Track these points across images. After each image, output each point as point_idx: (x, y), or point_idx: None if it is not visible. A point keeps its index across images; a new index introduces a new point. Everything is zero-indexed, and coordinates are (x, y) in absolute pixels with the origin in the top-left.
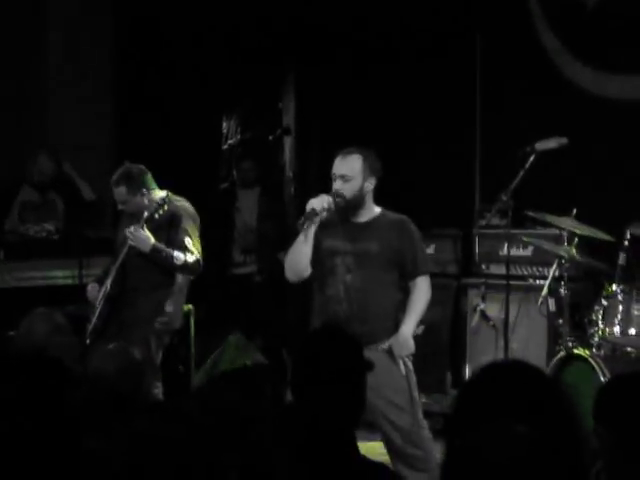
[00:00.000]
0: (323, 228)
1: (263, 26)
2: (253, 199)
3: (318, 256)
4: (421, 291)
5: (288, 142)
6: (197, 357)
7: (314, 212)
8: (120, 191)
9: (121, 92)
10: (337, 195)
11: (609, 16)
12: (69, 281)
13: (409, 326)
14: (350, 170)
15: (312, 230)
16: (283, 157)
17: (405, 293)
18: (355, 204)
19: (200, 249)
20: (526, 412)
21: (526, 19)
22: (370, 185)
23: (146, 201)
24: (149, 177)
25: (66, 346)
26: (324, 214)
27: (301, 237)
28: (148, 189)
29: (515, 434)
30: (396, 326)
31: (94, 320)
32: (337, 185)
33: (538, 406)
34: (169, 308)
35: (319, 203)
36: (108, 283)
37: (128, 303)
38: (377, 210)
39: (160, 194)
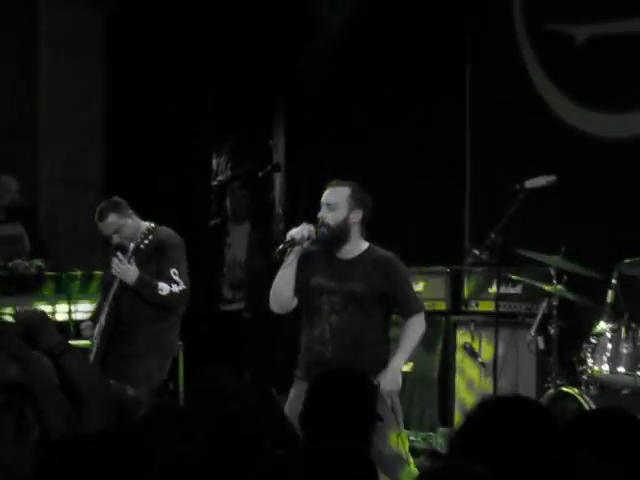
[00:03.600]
0: (309, 264)
1: (254, 63)
2: (244, 234)
3: (305, 294)
4: (414, 328)
5: (278, 179)
6: (185, 393)
7: (293, 241)
8: (110, 221)
9: (111, 128)
10: (322, 224)
11: (599, 53)
12: (60, 317)
13: (398, 361)
14: (336, 199)
15: (293, 260)
16: (273, 193)
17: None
18: (339, 235)
19: (187, 279)
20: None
21: (516, 55)
22: (356, 218)
23: (137, 224)
24: (129, 208)
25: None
26: (305, 244)
27: (282, 267)
28: (135, 216)
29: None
30: (383, 367)
31: (92, 358)
32: (322, 213)
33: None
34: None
35: (299, 232)
36: (102, 319)
37: (125, 338)
38: (364, 246)
39: (145, 224)
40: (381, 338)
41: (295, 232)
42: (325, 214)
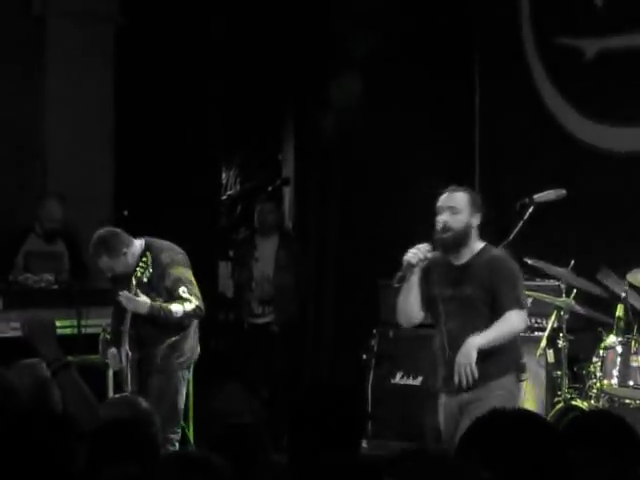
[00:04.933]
0: (429, 274)
1: (263, 78)
2: (272, 249)
3: (428, 304)
4: (509, 317)
5: (287, 193)
6: (196, 407)
7: (410, 265)
8: (104, 260)
9: (121, 142)
10: (444, 228)
11: (608, 67)
12: (68, 331)
13: (478, 340)
14: (458, 203)
15: (413, 279)
16: (282, 208)
17: None
18: (461, 239)
19: (197, 292)
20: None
21: (524, 69)
22: (475, 221)
23: (130, 258)
24: (123, 235)
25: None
26: (422, 263)
27: (405, 287)
28: (127, 246)
29: None
30: (502, 374)
31: (128, 388)
32: (445, 217)
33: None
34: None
35: (415, 256)
36: (127, 348)
37: (148, 356)
38: (479, 246)
39: (140, 245)
40: (502, 347)
41: (411, 256)
42: (447, 218)
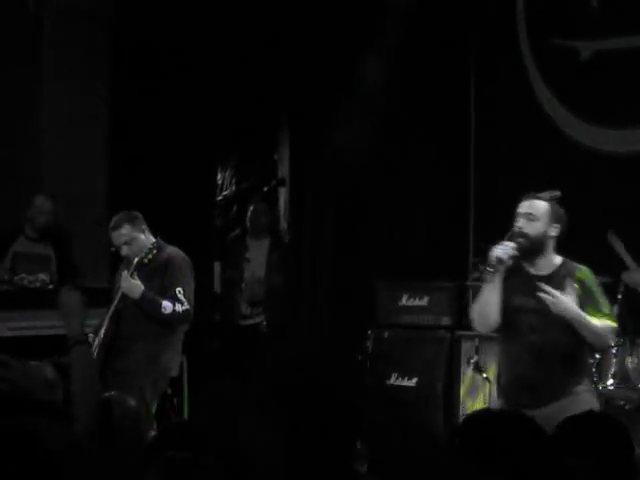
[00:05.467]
0: (505, 282)
1: (258, 78)
2: (263, 250)
3: (504, 313)
4: (602, 324)
5: (283, 193)
6: (190, 407)
7: (500, 261)
8: (122, 232)
9: (116, 142)
10: (519, 235)
11: (603, 68)
12: (62, 331)
13: (572, 305)
14: (536, 210)
15: (498, 279)
16: (278, 208)
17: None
18: (536, 248)
19: (192, 298)
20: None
21: (520, 71)
22: (554, 232)
23: (144, 241)
24: (143, 220)
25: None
26: (510, 262)
27: (489, 287)
28: (146, 231)
29: None
30: (583, 391)
31: None
32: (520, 223)
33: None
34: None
35: (504, 252)
36: (102, 332)
37: (123, 352)
38: (558, 261)
39: (152, 239)
40: (584, 359)
41: (500, 252)
42: (524, 224)
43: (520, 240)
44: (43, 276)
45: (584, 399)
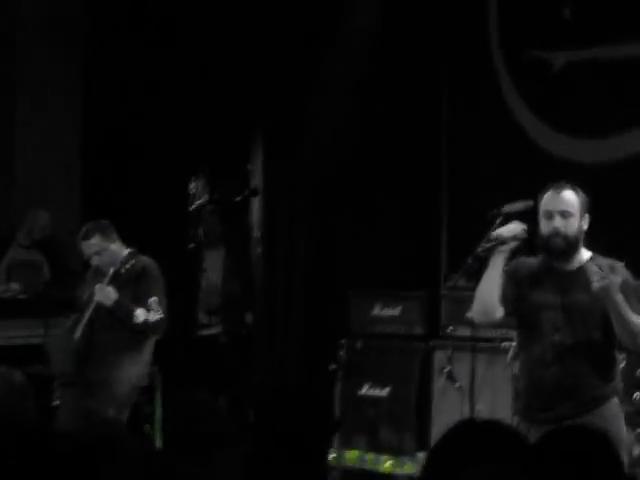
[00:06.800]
0: (526, 277)
1: (233, 88)
2: (219, 260)
3: (523, 310)
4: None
5: (255, 203)
6: (163, 417)
7: (501, 239)
8: (93, 242)
9: (89, 152)
10: (558, 235)
11: (576, 79)
12: (35, 341)
13: (619, 297)
14: (570, 206)
15: (499, 262)
16: (250, 218)
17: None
18: (575, 245)
19: (165, 308)
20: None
21: (493, 81)
22: (585, 224)
23: (118, 252)
24: (115, 230)
25: (21, 407)
26: (513, 244)
27: (487, 270)
28: (118, 241)
29: None
30: (610, 394)
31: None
32: (557, 223)
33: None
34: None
35: (509, 231)
36: (76, 339)
37: (96, 362)
38: (587, 255)
39: (126, 249)
40: (612, 360)
41: (504, 230)
42: (560, 224)
43: (559, 242)
44: (15, 285)
45: (612, 415)
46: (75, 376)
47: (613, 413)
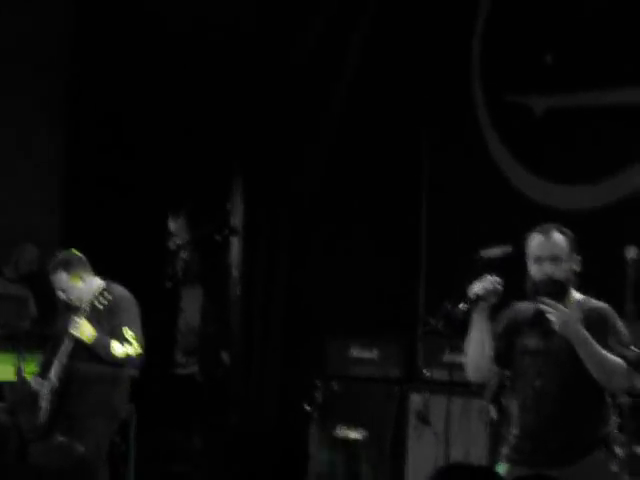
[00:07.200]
0: (519, 324)
1: (213, 127)
2: (197, 299)
3: (510, 356)
4: (618, 360)
5: (235, 243)
6: (137, 455)
7: (477, 298)
8: (60, 278)
9: (68, 187)
10: (549, 282)
11: (556, 125)
12: (7, 376)
13: (584, 333)
14: (559, 250)
15: (481, 320)
16: (230, 257)
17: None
18: (565, 289)
19: (142, 340)
20: None
21: (473, 124)
22: (576, 266)
23: (86, 288)
24: (86, 264)
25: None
26: (492, 300)
27: (474, 329)
28: (87, 274)
29: None
30: (597, 444)
31: (41, 417)
32: (547, 268)
33: None
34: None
35: (482, 288)
36: (53, 376)
37: (75, 397)
38: (577, 297)
39: (98, 282)
40: (598, 406)
41: (478, 288)
42: (549, 269)
43: (549, 288)
44: None
45: (596, 468)
46: (43, 429)
47: (598, 466)
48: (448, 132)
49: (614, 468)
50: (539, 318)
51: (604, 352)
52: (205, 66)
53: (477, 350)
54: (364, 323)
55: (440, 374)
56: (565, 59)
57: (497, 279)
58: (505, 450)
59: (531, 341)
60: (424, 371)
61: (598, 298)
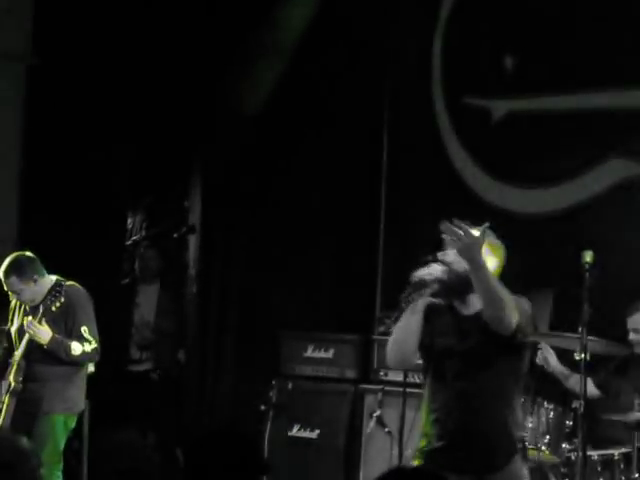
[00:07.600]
0: (434, 323)
1: (171, 123)
2: (153, 295)
3: (428, 356)
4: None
5: (192, 240)
6: (90, 452)
7: (422, 283)
8: (12, 281)
9: (26, 184)
10: (446, 271)
11: (515, 129)
12: None
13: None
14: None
15: (420, 307)
16: (187, 255)
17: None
18: (465, 283)
19: (97, 335)
20: None
21: (433, 127)
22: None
23: (39, 288)
24: (38, 264)
25: None
26: (435, 286)
27: (406, 316)
28: (39, 275)
29: None
30: (516, 448)
31: (1, 417)
32: (450, 258)
33: None
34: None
35: (428, 274)
36: (11, 378)
37: (33, 395)
38: None
39: (51, 280)
40: (514, 409)
41: (424, 273)
42: (447, 255)
43: (447, 278)
44: None
45: (520, 473)
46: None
47: (517, 471)
48: (408, 134)
49: (526, 472)
50: (453, 319)
51: (500, 287)
52: (164, 63)
53: (409, 334)
54: (320, 323)
55: (395, 375)
56: (526, 63)
57: (442, 268)
58: (418, 451)
59: (448, 342)
60: (379, 372)
61: (556, 301)
